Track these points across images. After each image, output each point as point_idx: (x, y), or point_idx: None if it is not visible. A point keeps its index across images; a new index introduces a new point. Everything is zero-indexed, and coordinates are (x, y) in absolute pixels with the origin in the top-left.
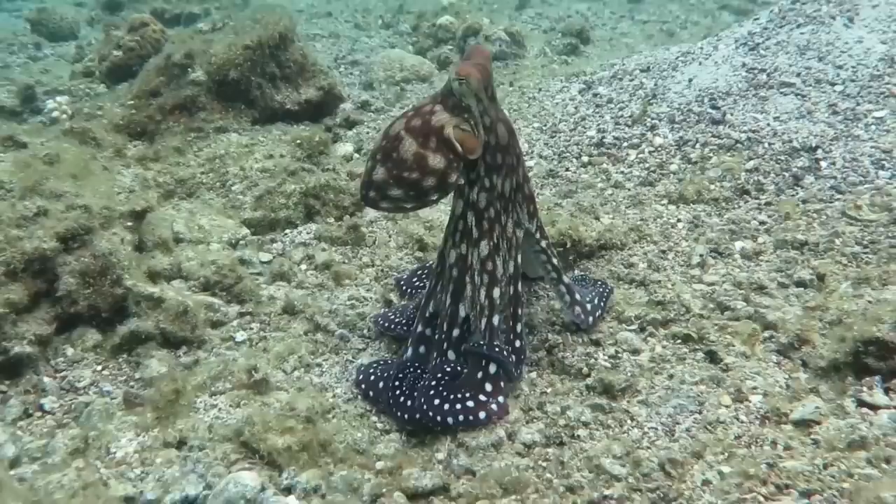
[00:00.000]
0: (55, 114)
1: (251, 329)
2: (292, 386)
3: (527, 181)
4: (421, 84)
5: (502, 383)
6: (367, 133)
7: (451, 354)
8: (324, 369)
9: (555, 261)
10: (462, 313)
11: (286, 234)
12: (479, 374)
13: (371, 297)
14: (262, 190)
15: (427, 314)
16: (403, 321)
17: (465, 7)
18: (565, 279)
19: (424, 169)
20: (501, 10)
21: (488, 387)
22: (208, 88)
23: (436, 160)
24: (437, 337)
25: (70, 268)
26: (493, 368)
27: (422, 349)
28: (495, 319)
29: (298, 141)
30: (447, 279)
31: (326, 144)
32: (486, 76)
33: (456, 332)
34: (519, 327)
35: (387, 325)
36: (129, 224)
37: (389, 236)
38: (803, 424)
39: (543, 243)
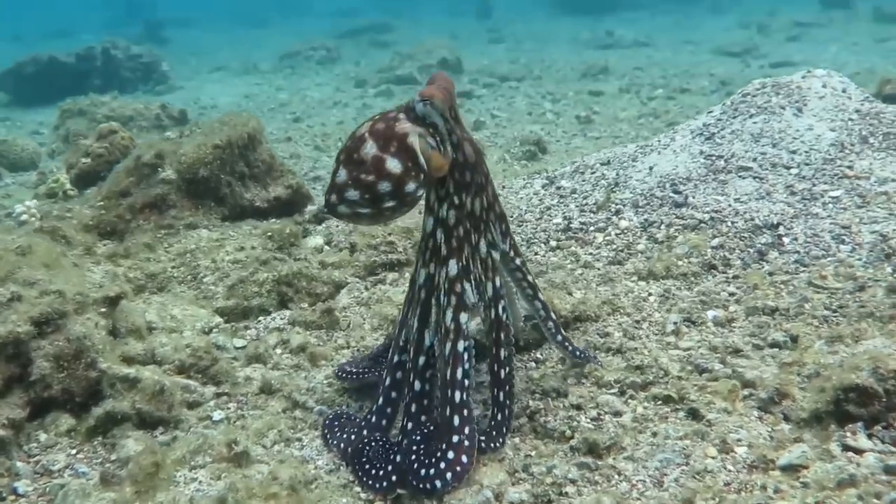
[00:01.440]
0: (24, 217)
1: (228, 409)
2: (273, 459)
3: (496, 200)
4: None
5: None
6: (337, 227)
7: (416, 385)
8: (304, 443)
9: (530, 278)
10: (427, 341)
11: (260, 320)
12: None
13: None
14: (235, 279)
15: (400, 343)
16: (369, 364)
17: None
18: (541, 296)
19: (381, 172)
20: None
21: (457, 422)
22: (178, 187)
23: (392, 164)
24: (407, 366)
25: (44, 352)
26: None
27: (398, 375)
28: (460, 345)
29: (269, 233)
30: (416, 302)
31: (297, 237)
32: (449, 98)
33: (422, 360)
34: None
35: (353, 373)
36: (103, 310)
37: (364, 319)
38: (791, 469)
39: (518, 261)
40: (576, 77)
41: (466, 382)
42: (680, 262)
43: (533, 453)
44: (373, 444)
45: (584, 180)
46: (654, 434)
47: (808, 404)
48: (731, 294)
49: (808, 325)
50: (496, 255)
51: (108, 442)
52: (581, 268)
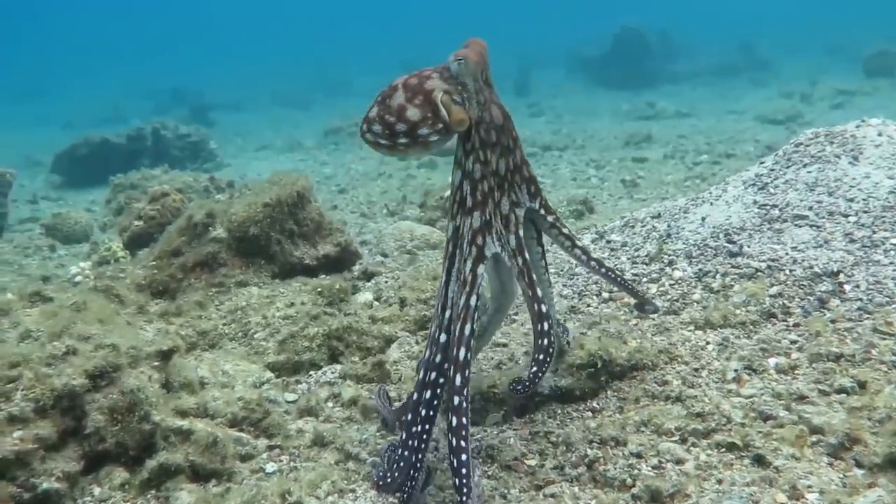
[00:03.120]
0: (78, 278)
1: (281, 461)
2: None
3: (525, 164)
4: (432, 251)
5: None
6: (386, 283)
7: (442, 337)
8: (358, 494)
9: (566, 230)
10: (450, 293)
11: (310, 375)
12: None
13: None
14: (285, 334)
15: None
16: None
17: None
18: (578, 244)
19: (401, 117)
20: None
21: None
22: (229, 245)
23: (412, 113)
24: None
25: (98, 405)
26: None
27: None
28: (472, 300)
29: (319, 289)
30: (445, 257)
31: (346, 292)
32: (482, 60)
33: (447, 314)
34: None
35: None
36: (156, 364)
37: (414, 372)
38: None
39: (551, 218)
40: (619, 145)
41: (472, 342)
42: (738, 311)
43: (593, 502)
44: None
45: (634, 233)
46: (720, 481)
47: (881, 448)
48: (793, 342)
49: (875, 371)
50: (519, 213)
51: (161, 495)
52: (635, 318)
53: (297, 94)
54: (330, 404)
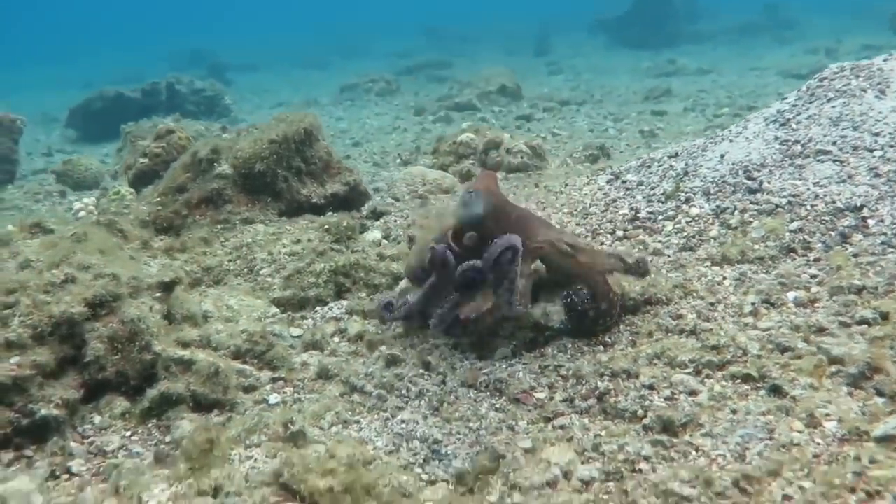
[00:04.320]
0: (82, 213)
1: (284, 393)
2: (330, 439)
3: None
4: (444, 195)
5: None
6: (395, 222)
7: None
8: (362, 426)
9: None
10: None
11: (316, 310)
12: None
13: (408, 360)
14: (291, 270)
15: None
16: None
17: (483, 126)
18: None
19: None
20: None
21: None
22: (234, 181)
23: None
24: None
25: (98, 333)
26: None
27: None
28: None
29: (326, 226)
30: None
31: (354, 230)
32: (490, 189)
33: None
34: None
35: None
36: (158, 295)
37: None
38: (888, 440)
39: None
40: (638, 100)
41: None
42: (756, 247)
43: (603, 433)
44: None
45: (650, 173)
46: (734, 411)
47: None
48: (813, 276)
49: None
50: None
51: (162, 424)
52: (650, 255)
53: (316, 56)
54: (336, 339)
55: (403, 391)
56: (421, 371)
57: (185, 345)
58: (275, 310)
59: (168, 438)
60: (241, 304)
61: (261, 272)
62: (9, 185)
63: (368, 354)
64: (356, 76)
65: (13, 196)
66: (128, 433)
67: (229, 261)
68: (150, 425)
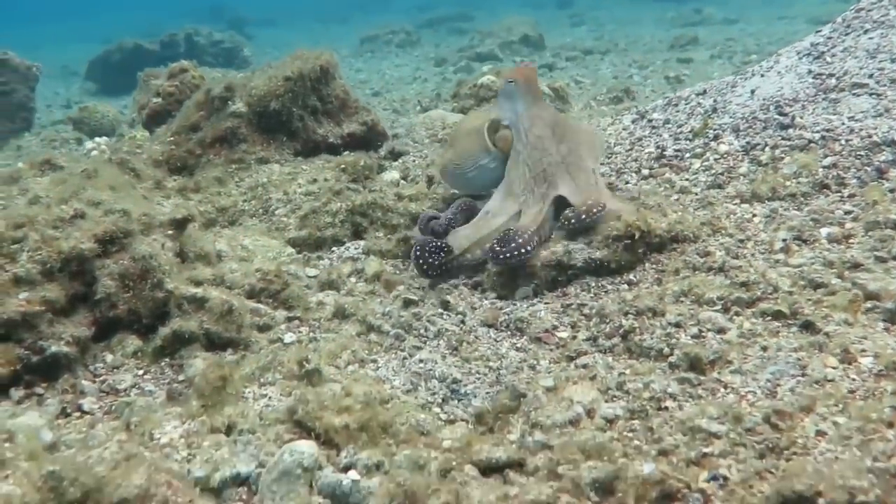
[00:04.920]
0: (94, 153)
1: (300, 332)
2: (347, 378)
3: (582, 137)
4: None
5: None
6: (414, 162)
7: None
8: (379, 365)
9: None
10: None
11: (333, 251)
12: None
13: (427, 300)
14: (307, 210)
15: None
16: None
17: (505, 70)
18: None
19: (467, 155)
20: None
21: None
22: (249, 120)
23: (472, 148)
24: None
25: (108, 270)
26: None
27: None
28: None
29: (343, 166)
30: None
31: (372, 169)
32: (530, 80)
33: None
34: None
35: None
36: (170, 233)
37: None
38: None
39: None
40: (664, 48)
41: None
42: (788, 183)
43: (627, 371)
44: None
45: (677, 111)
46: (764, 348)
47: None
48: (847, 212)
49: None
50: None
51: (175, 363)
52: (677, 193)
53: (336, 10)
54: (353, 279)
55: (422, 331)
56: (440, 311)
57: (198, 283)
58: (290, 250)
59: (181, 377)
60: (255, 244)
61: (276, 212)
62: (25, 133)
63: (386, 294)
64: (376, 28)
65: (29, 143)
66: (140, 372)
67: (244, 201)
68: (162, 364)
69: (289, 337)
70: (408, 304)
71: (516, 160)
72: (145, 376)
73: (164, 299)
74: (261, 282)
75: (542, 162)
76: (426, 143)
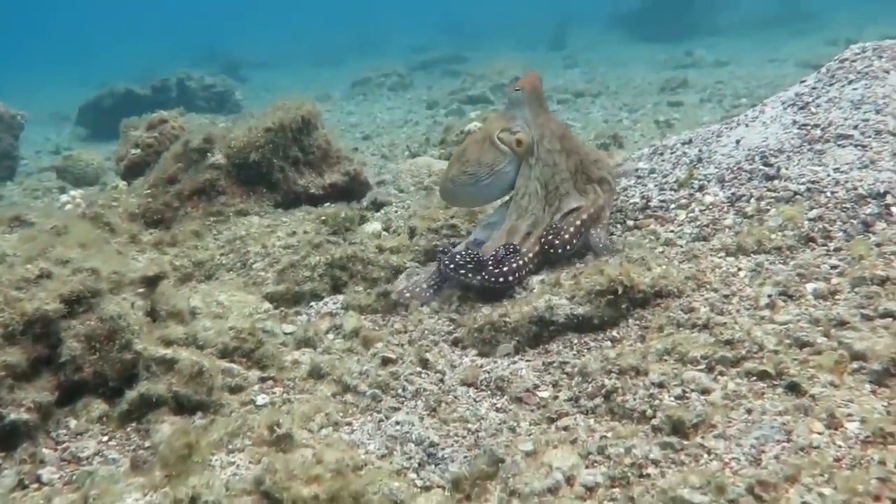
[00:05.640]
0: (68, 207)
1: (274, 393)
2: (319, 443)
3: (587, 154)
4: None
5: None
6: (396, 212)
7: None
8: (354, 428)
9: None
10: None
11: (311, 306)
12: None
13: (405, 358)
14: (285, 264)
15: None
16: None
17: (492, 114)
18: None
19: (480, 164)
20: None
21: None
22: (228, 172)
23: (487, 157)
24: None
25: (74, 332)
26: None
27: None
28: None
29: (323, 218)
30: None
31: (353, 221)
32: (536, 88)
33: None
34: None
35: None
36: (141, 291)
37: (423, 302)
38: None
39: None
40: (654, 91)
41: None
42: (773, 236)
43: (609, 434)
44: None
45: (663, 160)
46: (749, 411)
47: None
48: (834, 266)
49: None
50: (595, 186)
51: (142, 428)
52: (662, 245)
53: (330, 53)
54: (330, 336)
55: (399, 390)
56: (418, 369)
57: (168, 343)
58: (267, 305)
59: (147, 443)
60: (231, 299)
61: (254, 266)
62: (8, 182)
63: (364, 352)
64: (368, 70)
65: (11, 193)
66: (105, 438)
67: (221, 254)
68: (129, 429)
69: (261, 398)
70: (386, 362)
71: (528, 175)
72: (110, 442)
73: (132, 361)
74: (234, 340)
75: (554, 179)
76: (411, 192)
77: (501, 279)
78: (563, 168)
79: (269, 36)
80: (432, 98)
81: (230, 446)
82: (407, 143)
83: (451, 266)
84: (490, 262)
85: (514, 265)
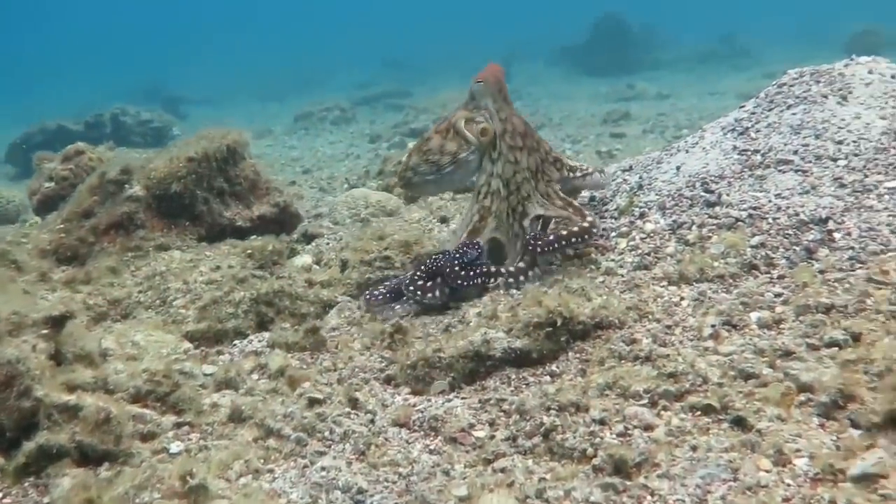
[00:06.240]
0: None
1: (189, 440)
2: (237, 492)
3: (550, 153)
4: (388, 218)
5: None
6: (328, 245)
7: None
8: (276, 475)
9: (585, 166)
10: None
11: (235, 344)
12: None
13: (334, 398)
14: (207, 300)
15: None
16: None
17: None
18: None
19: (443, 152)
20: None
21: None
22: (147, 204)
23: (451, 146)
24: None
25: None
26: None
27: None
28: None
29: (249, 251)
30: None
31: (281, 255)
32: (498, 81)
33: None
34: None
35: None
36: (45, 332)
37: (353, 338)
38: (866, 479)
39: (578, 172)
40: (597, 122)
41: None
42: (716, 264)
43: (548, 476)
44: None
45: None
46: (694, 447)
47: (880, 405)
48: (777, 294)
49: (871, 322)
50: (555, 185)
51: (41, 482)
52: (602, 275)
53: (275, 88)
54: (254, 376)
55: (326, 433)
56: (347, 409)
57: (73, 388)
58: (187, 345)
59: (46, 499)
60: (148, 339)
61: (174, 303)
62: None
63: (289, 392)
64: (310, 105)
65: None
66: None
67: (139, 292)
68: (26, 484)
69: (175, 446)
70: (313, 403)
71: (490, 171)
72: (4, 500)
73: (31, 409)
74: (148, 383)
75: (515, 178)
76: (347, 224)
77: (462, 282)
78: (525, 166)
79: (215, 72)
80: (375, 132)
81: (137, 500)
82: (346, 176)
83: (412, 289)
84: (452, 264)
85: (477, 272)
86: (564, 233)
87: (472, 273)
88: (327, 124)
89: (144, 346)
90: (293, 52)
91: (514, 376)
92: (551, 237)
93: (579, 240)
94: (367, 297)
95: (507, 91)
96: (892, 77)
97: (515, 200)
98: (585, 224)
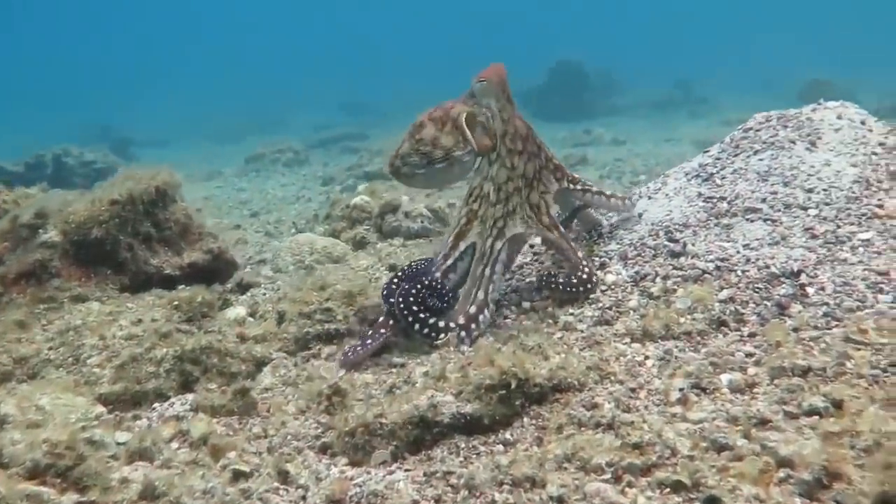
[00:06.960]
0: None
1: None
2: None
3: (550, 159)
4: (333, 265)
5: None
6: (264, 294)
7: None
8: None
9: (593, 187)
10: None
11: (154, 408)
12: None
13: (261, 470)
14: (126, 358)
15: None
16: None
17: (380, 187)
18: (607, 191)
19: (436, 144)
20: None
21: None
22: (64, 251)
23: (445, 139)
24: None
25: None
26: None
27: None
28: (487, 270)
29: (176, 302)
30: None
31: (211, 306)
32: (502, 80)
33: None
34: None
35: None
36: None
37: (288, 400)
38: None
39: (580, 185)
40: None
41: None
42: (682, 319)
43: None
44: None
45: None
46: None
47: (870, 486)
48: (749, 354)
49: (852, 388)
50: (548, 197)
51: None
52: (560, 330)
53: (230, 130)
54: (174, 444)
55: None
56: (276, 484)
57: None
58: (100, 409)
59: None
60: (55, 403)
61: (88, 361)
62: None
63: (212, 464)
64: (262, 147)
65: None
66: None
67: (50, 349)
68: None
69: None
70: (237, 476)
71: (485, 174)
72: None
73: None
74: (48, 456)
75: (507, 186)
76: (290, 271)
77: (404, 309)
78: (520, 173)
79: (172, 114)
80: (328, 174)
81: None
82: (294, 220)
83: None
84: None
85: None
86: (574, 280)
87: (417, 310)
88: (279, 166)
89: (50, 412)
90: (253, 95)
91: (463, 445)
92: (561, 279)
93: (575, 290)
94: (348, 353)
95: (510, 90)
96: (862, 123)
97: (501, 211)
98: (584, 276)
